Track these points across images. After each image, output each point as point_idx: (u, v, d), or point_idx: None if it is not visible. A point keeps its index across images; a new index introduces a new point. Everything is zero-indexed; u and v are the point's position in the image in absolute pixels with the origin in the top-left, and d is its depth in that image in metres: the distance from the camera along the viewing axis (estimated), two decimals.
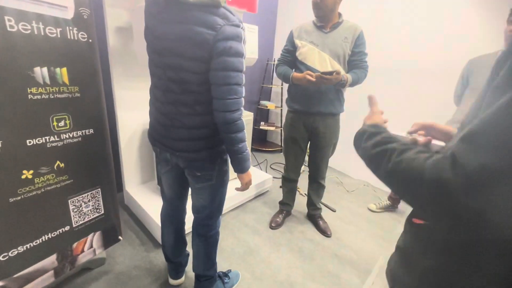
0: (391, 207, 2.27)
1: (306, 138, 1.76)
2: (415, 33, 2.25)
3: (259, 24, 3.07)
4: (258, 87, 3.38)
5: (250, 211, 2.13)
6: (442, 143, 0.54)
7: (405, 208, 2.29)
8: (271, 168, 3.02)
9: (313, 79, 1.45)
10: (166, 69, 0.92)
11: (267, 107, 3.33)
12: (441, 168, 0.35)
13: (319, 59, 1.56)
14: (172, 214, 1.28)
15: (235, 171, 1.06)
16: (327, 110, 1.64)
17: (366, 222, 2.11)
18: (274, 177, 2.66)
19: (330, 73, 1.41)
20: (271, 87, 3.49)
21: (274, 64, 3.27)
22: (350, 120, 2.71)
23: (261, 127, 3.41)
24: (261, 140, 3.73)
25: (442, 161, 0.36)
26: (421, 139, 0.52)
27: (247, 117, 2.22)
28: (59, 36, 1.00)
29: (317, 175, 1.86)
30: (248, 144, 2.35)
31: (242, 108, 0.94)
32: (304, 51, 1.60)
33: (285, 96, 1.80)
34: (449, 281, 0.46)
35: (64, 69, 1.04)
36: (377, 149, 0.49)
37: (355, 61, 1.58)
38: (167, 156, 1.08)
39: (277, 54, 3.31)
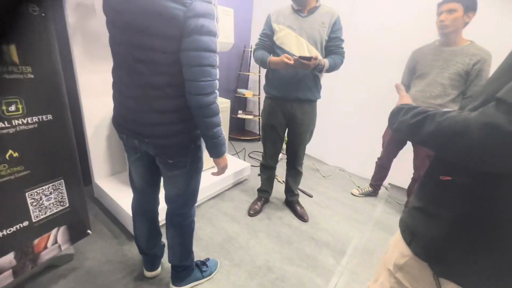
0: (373, 193, 2.37)
1: (284, 124, 1.76)
2: (392, 21, 2.30)
3: (235, 7, 2.97)
4: (235, 74, 3.31)
5: (229, 199, 2.11)
6: None
7: (383, 194, 2.41)
8: (250, 156, 3.01)
9: (291, 62, 1.43)
10: (131, 47, 0.84)
11: (244, 95, 3.28)
12: (489, 114, 0.41)
13: (296, 43, 1.54)
14: (144, 205, 1.22)
15: (210, 156, 1.02)
16: (304, 97, 1.64)
17: (341, 206, 2.18)
18: (252, 166, 2.65)
19: (308, 58, 1.40)
20: (249, 75, 3.43)
21: (251, 51, 3.21)
22: (326, 107, 2.77)
23: (238, 116, 3.36)
24: (239, 129, 3.69)
25: (489, 109, 0.42)
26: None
27: (223, 105, 2.16)
28: (5, 7, 0.88)
29: (295, 161, 1.88)
30: (225, 133, 2.30)
31: (217, 91, 0.89)
32: (282, 35, 1.57)
33: (263, 83, 1.76)
34: (479, 227, 0.51)
35: (13, 46, 0.92)
36: (418, 117, 0.57)
37: (332, 47, 1.59)
38: (135, 143, 1.01)
39: (254, 40, 3.24)
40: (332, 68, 1.57)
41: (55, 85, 1.07)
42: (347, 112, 2.75)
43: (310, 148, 3.02)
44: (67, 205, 1.21)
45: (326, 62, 1.52)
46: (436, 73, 1.65)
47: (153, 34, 0.80)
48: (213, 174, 1.08)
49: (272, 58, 1.57)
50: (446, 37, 1.61)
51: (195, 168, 1.08)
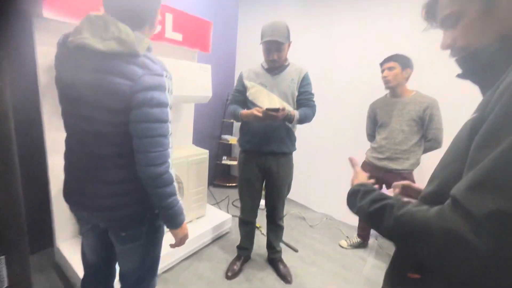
0: (362, 244, 2.22)
1: (260, 178, 1.70)
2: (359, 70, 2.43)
3: (219, 62, 3.14)
4: (219, 122, 3.35)
5: (206, 258, 1.94)
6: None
7: (373, 245, 2.27)
8: (233, 205, 2.88)
9: (260, 114, 1.44)
10: (79, 120, 0.82)
11: (229, 141, 3.28)
12: (447, 218, 0.38)
13: (268, 99, 1.57)
14: (98, 283, 1.07)
15: (167, 227, 0.93)
16: (279, 149, 1.62)
17: (328, 262, 2.02)
18: (234, 216, 2.51)
19: (276, 109, 1.42)
20: (232, 122, 3.48)
21: None
22: (310, 150, 2.78)
23: (223, 162, 3.32)
24: (224, 175, 3.61)
25: (447, 211, 0.39)
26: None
27: (201, 156, 2.13)
28: None
29: (274, 216, 1.78)
30: (205, 182, 2.22)
31: (170, 161, 0.85)
32: (254, 91, 1.61)
33: None
34: None
35: None
36: (375, 205, 0.52)
37: (302, 100, 1.63)
38: (84, 215, 0.92)
39: None
40: (303, 119, 1.59)
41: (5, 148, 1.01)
42: (332, 155, 2.74)
43: (296, 194, 2.96)
44: (6, 285, 1.06)
45: (296, 113, 1.54)
46: (394, 121, 1.81)
47: (100, 107, 0.78)
48: (171, 246, 0.98)
49: (243, 111, 1.58)
50: (392, 90, 1.83)
51: (154, 239, 0.98)
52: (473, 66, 0.50)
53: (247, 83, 1.63)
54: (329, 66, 2.62)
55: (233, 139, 3.29)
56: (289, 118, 1.51)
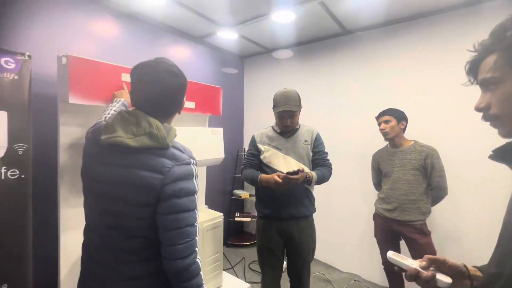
0: None
1: (281, 245, 1.59)
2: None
3: (228, 120, 3.26)
4: (230, 176, 3.32)
5: None
6: (448, 279, 0.55)
7: None
8: (250, 269, 2.66)
9: (280, 180, 1.41)
10: (103, 214, 0.80)
11: (241, 196, 3.20)
12: None
13: (284, 161, 1.56)
14: None
15: None
16: (299, 213, 1.55)
17: None
18: (252, 283, 2.29)
19: (296, 172, 1.40)
20: None
21: (244, 154, 3.33)
22: (331, 206, 2.67)
23: (236, 219, 3.18)
24: (237, 232, 3.43)
25: None
26: (427, 272, 0.55)
27: (217, 219, 2.04)
28: None
29: (300, 286, 1.60)
30: (219, 246, 2.09)
31: (197, 249, 0.81)
32: (269, 155, 1.60)
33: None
34: None
35: None
36: None
37: (317, 160, 1.61)
38: None
39: (246, 143, 3.41)
40: (321, 179, 1.55)
41: (22, 251, 0.97)
42: (346, 209, 2.61)
43: (319, 252, 2.73)
44: None
45: (313, 174, 1.51)
46: (397, 171, 1.82)
47: (128, 202, 0.77)
48: None
49: (262, 175, 1.55)
50: (391, 141, 1.88)
51: None
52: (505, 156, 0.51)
53: (261, 147, 1.64)
54: (334, 123, 2.71)
55: (245, 194, 3.21)
56: (307, 181, 1.48)
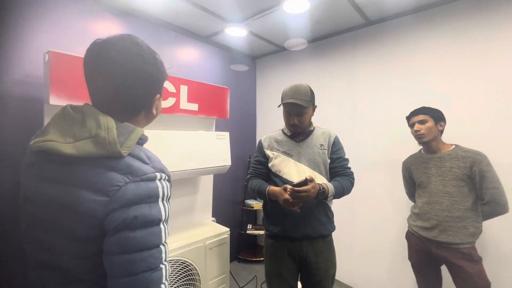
0: None
1: (295, 271, 1.32)
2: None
3: (239, 124, 3.05)
4: (242, 185, 3.09)
5: None
6: None
7: None
8: None
9: (288, 197, 1.16)
10: (36, 248, 0.59)
11: (253, 207, 2.94)
12: None
13: (296, 170, 1.31)
14: None
15: None
16: (315, 232, 1.28)
17: None
18: None
19: (304, 182, 1.14)
20: None
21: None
22: (350, 230, 2.35)
23: (248, 232, 2.93)
24: (250, 246, 3.17)
25: None
26: None
27: (222, 236, 1.80)
28: None
29: None
30: (226, 269, 1.85)
31: None
32: (277, 162, 1.36)
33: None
34: None
35: None
36: None
37: (336, 168, 1.34)
38: None
39: None
40: (340, 191, 1.28)
41: None
42: (371, 226, 2.26)
43: (341, 275, 2.42)
44: None
45: (329, 186, 1.23)
46: (435, 182, 1.51)
47: (61, 235, 0.55)
48: None
49: (271, 188, 1.30)
50: (427, 145, 1.57)
51: None
52: None
53: (268, 153, 1.40)
54: (356, 126, 2.39)
55: (258, 204, 2.96)
56: (322, 194, 1.20)
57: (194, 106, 1.80)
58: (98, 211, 0.51)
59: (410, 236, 1.63)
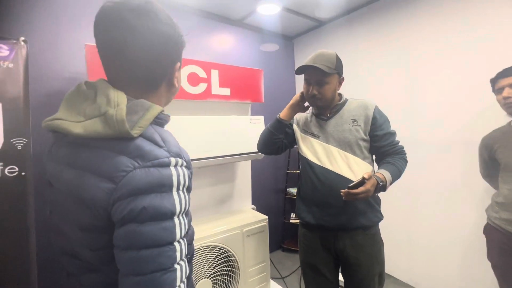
0: None
1: (331, 263, 1.19)
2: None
3: (278, 108, 2.92)
4: (283, 173, 2.98)
5: None
6: None
7: None
8: None
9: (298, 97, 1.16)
10: (56, 234, 0.59)
11: (295, 195, 2.82)
12: None
13: (324, 153, 1.15)
14: None
15: None
16: (353, 224, 1.11)
17: None
18: None
19: (361, 182, 0.97)
20: (298, 173, 3.05)
21: (297, 147, 2.94)
22: (413, 223, 2.06)
23: (291, 221, 2.83)
24: (294, 235, 3.05)
25: None
26: None
27: (260, 223, 1.74)
28: None
29: None
30: (266, 257, 1.79)
31: None
32: (303, 144, 1.24)
33: None
34: None
35: None
36: None
37: (385, 147, 1.13)
38: None
39: None
40: (398, 175, 1.10)
41: (25, 253, 0.89)
42: (455, 221, 1.92)
43: (398, 270, 2.16)
44: None
45: (387, 175, 1.04)
46: None
47: (70, 223, 0.53)
48: None
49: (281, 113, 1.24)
50: None
51: None
52: None
53: (296, 130, 1.29)
54: (416, 104, 2.03)
55: None
56: (382, 187, 1.03)
57: (226, 91, 1.75)
58: (103, 199, 0.46)
59: (491, 230, 1.32)
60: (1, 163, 0.86)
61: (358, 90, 2.30)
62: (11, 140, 0.88)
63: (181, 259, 0.48)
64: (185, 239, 0.50)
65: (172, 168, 0.49)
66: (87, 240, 0.51)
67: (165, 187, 0.47)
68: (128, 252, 0.45)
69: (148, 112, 0.52)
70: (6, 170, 0.87)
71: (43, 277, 0.95)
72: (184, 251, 0.49)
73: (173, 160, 0.49)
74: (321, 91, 1.10)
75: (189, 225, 0.57)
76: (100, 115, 0.49)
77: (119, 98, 0.50)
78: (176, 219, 0.48)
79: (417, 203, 2.07)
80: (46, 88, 1.55)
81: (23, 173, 0.90)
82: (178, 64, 0.60)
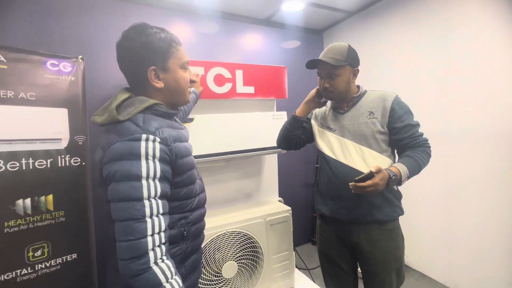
0: None
1: (347, 255, 1.21)
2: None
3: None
4: (313, 167, 3.00)
5: None
6: None
7: None
8: None
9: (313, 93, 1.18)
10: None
11: None
12: None
13: (340, 147, 1.17)
14: None
15: None
16: (367, 217, 1.11)
17: None
18: None
19: (369, 175, 0.96)
20: (317, 166, 3.04)
21: None
22: (449, 219, 1.95)
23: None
24: None
25: None
26: None
27: (283, 214, 1.83)
28: (48, 166, 1.06)
29: None
30: (290, 246, 1.88)
31: (152, 254, 0.62)
32: (319, 138, 1.27)
33: None
34: None
35: (50, 196, 1.06)
36: None
37: (404, 140, 1.10)
38: None
39: None
40: (417, 169, 1.06)
41: (84, 225, 1.13)
42: (497, 218, 1.77)
43: (436, 270, 2.05)
44: None
45: (402, 168, 1.02)
46: None
47: (98, 183, 0.75)
48: None
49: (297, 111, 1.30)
50: None
51: None
52: None
53: (314, 124, 1.32)
54: (454, 94, 1.87)
55: None
56: (395, 181, 1.00)
57: (250, 89, 1.86)
58: (99, 164, 0.69)
59: None
60: (68, 155, 1.11)
61: (391, 82, 2.21)
62: (75, 137, 1.13)
63: (152, 215, 0.63)
64: (158, 200, 0.65)
65: (142, 141, 0.65)
66: (104, 194, 0.71)
67: (134, 155, 0.64)
68: (112, 204, 0.65)
69: (142, 104, 0.71)
70: (72, 161, 1.12)
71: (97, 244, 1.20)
72: (157, 210, 0.64)
73: (144, 136, 0.65)
74: (333, 84, 1.12)
75: (187, 192, 0.76)
76: (111, 109, 0.71)
77: (119, 96, 0.73)
78: (144, 181, 0.64)
79: (456, 199, 1.92)
80: (98, 95, 1.89)
81: (83, 163, 1.15)
82: (151, 67, 0.73)
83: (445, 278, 2.03)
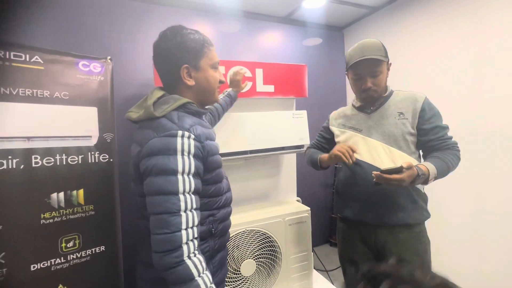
0: None
1: (371, 258, 1.18)
2: None
3: (327, 102, 2.87)
4: (332, 168, 2.94)
5: None
6: None
7: None
8: None
9: (348, 158, 1.03)
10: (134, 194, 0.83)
11: None
12: None
13: (366, 147, 1.13)
14: None
15: None
16: (395, 221, 1.08)
17: None
18: None
19: (397, 169, 0.93)
20: (335, 167, 2.97)
21: None
22: (473, 231, 1.85)
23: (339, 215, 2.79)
24: None
25: None
26: None
27: (301, 214, 1.82)
28: (80, 162, 1.12)
29: None
30: (308, 246, 1.86)
31: (185, 247, 0.64)
32: (343, 139, 1.22)
33: None
34: None
35: (81, 191, 1.12)
36: None
37: (433, 141, 1.06)
38: None
39: None
40: (445, 170, 1.02)
41: (111, 218, 1.18)
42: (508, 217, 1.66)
43: (455, 275, 1.95)
44: None
45: (431, 168, 0.98)
46: None
47: (132, 178, 0.78)
48: None
49: (322, 155, 1.22)
50: None
51: None
52: None
53: (334, 129, 1.28)
54: (481, 87, 1.75)
55: None
56: (422, 179, 0.97)
57: (270, 88, 1.85)
58: (137, 159, 0.70)
59: None
60: (98, 152, 1.16)
61: (417, 81, 2.12)
62: (104, 135, 1.18)
63: (188, 209, 0.65)
64: (192, 195, 0.67)
65: (178, 138, 0.67)
66: (137, 189, 0.74)
67: (170, 150, 0.66)
68: (148, 197, 0.67)
69: (176, 102, 0.73)
70: (101, 157, 1.18)
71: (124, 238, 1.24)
72: (191, 204, 0.66)
73: (180, 132, 0.68)
74: (376, 82, 1.08)
75: (215, 190, 0.77)
76: (146, 106, 0.73)
77: (154, 93, 0.76)
78: (179, 176, 0.66)
79: (487, 204, 1.82)
80: (125, 94, 1.95)
81: (111, 160, 1.20)
82: (184, 66, 0.76)
83: (477, 284, 1.93)
